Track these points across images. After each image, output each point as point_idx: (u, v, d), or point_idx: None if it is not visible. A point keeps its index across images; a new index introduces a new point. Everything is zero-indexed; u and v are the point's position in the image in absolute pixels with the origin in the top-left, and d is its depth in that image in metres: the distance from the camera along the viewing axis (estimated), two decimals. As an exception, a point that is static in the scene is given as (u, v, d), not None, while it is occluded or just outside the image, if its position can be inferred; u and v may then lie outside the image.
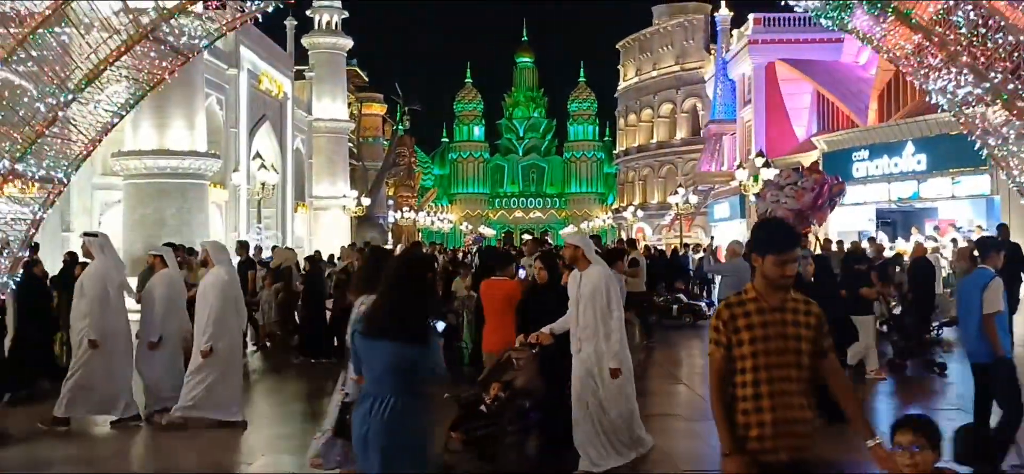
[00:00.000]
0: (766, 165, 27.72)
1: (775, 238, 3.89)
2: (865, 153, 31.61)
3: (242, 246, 14.81)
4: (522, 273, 11.64)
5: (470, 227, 78.00)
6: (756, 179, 29.46)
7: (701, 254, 26.53)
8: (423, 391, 4.35)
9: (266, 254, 19.79)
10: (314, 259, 16.51)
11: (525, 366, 7.27)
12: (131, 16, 5.92)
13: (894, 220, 31.16)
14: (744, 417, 3.80)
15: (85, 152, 5.97)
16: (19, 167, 5.65)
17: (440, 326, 5.61)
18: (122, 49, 5.76)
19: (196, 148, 24.55)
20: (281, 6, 6.29)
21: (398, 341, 4.25)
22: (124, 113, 6.01)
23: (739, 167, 32.94)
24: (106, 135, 5.99)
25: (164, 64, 6.24)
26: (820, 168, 25.39)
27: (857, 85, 36.89)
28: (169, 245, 11.98)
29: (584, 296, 7.10)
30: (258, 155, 34.28)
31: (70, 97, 5.83)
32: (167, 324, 9.34)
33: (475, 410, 7.29)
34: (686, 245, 35.38)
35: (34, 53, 5.84)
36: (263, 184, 29.92)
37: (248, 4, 6.13)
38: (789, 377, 3.79)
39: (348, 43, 44.28)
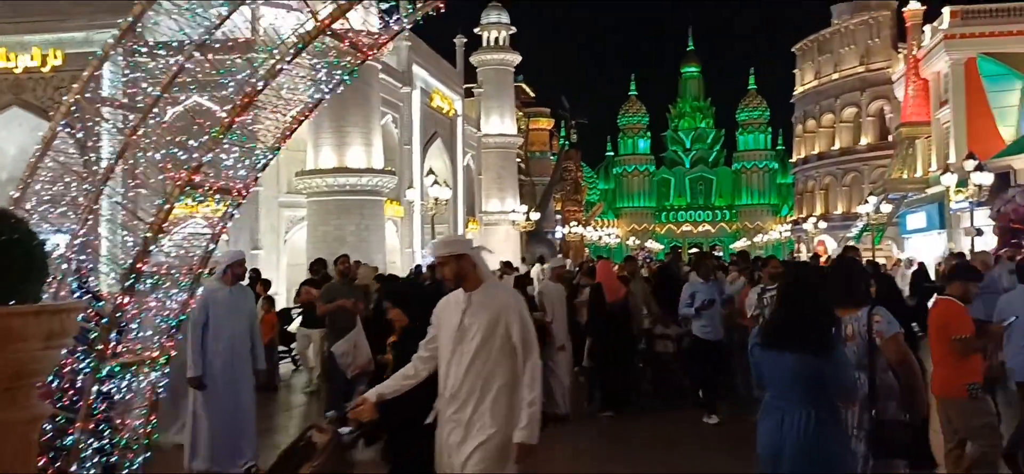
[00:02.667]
0: (978, 169, 24.94)
1: None
2: (1093, 153, 27.96)
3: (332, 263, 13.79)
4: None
5: (636, 241, 76.48)
6: (964, 184, 26.65)
7: (914, 268, 23.41)
8: (835, 405, 4.23)
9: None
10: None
11: (325, 456, 4.40)
12: (309, 13, 5.48)
13: None
14: None
15: (265, 160, 5.55)
16: (196, 178, 5.28)
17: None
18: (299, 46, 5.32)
19: (373, 165, 25.01)
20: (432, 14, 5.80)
21: (801, 351, 4.16)
22: (304, 118, 5.56)
23: (946, 171, 29.93)
24: (285, 141, 5.56)
25: (343, 63, 5.76)
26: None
27: (1077, 78, 32.86)
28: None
29: (472, 330, 4.51)
30: (431, 171, 34.78)
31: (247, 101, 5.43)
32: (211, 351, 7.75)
33: None
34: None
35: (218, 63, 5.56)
36: (436, 200, 30.19)
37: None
38: None
39: (516, 59, 44.36)
